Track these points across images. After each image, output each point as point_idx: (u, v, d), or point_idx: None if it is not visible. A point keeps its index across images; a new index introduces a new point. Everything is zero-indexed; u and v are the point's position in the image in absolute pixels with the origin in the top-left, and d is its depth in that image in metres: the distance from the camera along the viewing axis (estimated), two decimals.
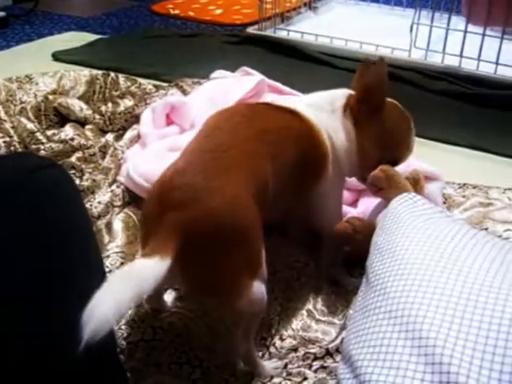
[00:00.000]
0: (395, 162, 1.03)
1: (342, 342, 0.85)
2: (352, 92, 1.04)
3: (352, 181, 1.12)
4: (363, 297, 0.78)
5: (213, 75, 1.68)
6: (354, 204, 1.19)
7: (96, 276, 0.71)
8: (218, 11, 2.75)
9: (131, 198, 1.20)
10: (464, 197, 1.24)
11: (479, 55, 1.92)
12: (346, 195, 1.16)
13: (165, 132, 1.35)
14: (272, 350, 0.90)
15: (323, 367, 0.87)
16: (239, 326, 0.82)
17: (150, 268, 0.67)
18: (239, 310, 0.78)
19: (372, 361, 0.66)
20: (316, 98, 1.04)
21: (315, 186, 0.99)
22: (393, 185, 0.96)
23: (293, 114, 0.97)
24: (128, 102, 1.54)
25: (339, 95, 1.04)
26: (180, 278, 0.76)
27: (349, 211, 1.14)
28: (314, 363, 0.87)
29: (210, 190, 0.77)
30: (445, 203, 1.22)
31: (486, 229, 1.13)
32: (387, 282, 0.74)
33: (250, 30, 2.34)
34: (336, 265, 1.03)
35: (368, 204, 1.12)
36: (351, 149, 1.00)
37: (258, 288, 0.78)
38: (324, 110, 1.01)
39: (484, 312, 0.62)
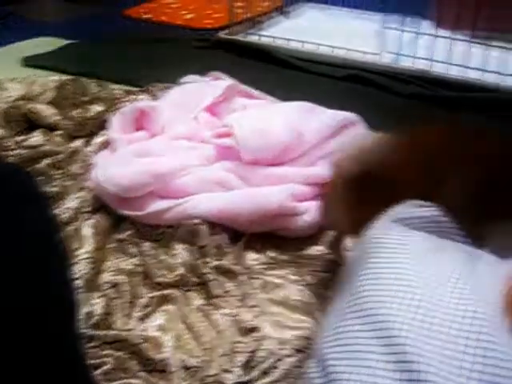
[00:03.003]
0: None
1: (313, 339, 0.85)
2: None
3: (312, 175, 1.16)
4: (338, 299, 0.78)
5: (183, 80, 1.67)
6: (315, 198, 1.17)
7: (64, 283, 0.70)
8: (190, 16, 2.75)
9: (100, 204, 1.20)
10: None
11: (448, 59, 1.94)
12: (306, 190, 1.17)
13: (134, 137, 1.34)
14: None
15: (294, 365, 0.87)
16: None
17: None
18: None
19: (343, 360, 0.66)
20: None
21: None
22: None
23: None
24: (98, 108, 1.54)
25: None
26: None
27: (311, 205, 1.14)
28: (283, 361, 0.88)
29: None
30: None
31: None
32: (360, 282, 0.74)
33: (221, 34, 2.34)
34: None
35: None
36: None
37: None
38: None
39: (454, 319, 0.62)
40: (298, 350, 0.89)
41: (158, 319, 0.95)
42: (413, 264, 0.70)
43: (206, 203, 1.13)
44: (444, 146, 0.90)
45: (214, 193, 1.16)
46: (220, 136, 1.28)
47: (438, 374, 0.58)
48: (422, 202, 0.81)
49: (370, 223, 0.81)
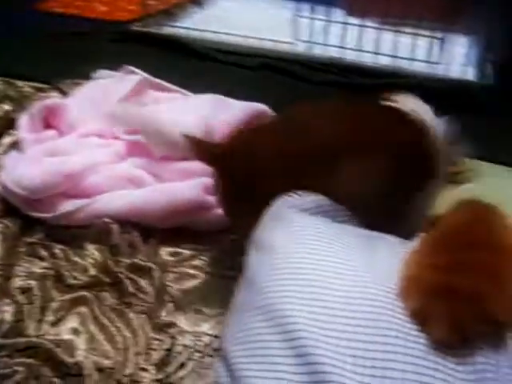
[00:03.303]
0: None
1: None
2: None
3: None
4: (239, 293, 0.79)
5: (96, 75, 1.64)
6: None
7: None
8: (103, 8, 2.69)
9: (9, 207, 1.16)
10: None
11: (360, 46, 1.98)
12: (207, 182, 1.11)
13: (43, 136, 1.31)
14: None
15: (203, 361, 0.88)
16: None
17: None
18: None
19: (247, 357, 0.67)
20: None
21: None
22: None
23: None
24: (5, 107, 1.49)
25: None
26: None
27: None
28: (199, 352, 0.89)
29: None
30: None
31: None
32: (261, 277, 0.74)
33: (135, 27, 2.30)
34: None
35: None
36: None
37: None
38: None
39: (351, 307, 0.63)
40: (215, 337, 0.91)
41: (71, 322, 0.94)
42: (311, 254, 0.71)
43: (116, 201, 1.11)
44: (335, 132, 0.88)
45: (126, 190, 1.14)
46: (131, 132, 1.27)
47: (344, 368, 0.58)
48: (308, 193, 0.82)
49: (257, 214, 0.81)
